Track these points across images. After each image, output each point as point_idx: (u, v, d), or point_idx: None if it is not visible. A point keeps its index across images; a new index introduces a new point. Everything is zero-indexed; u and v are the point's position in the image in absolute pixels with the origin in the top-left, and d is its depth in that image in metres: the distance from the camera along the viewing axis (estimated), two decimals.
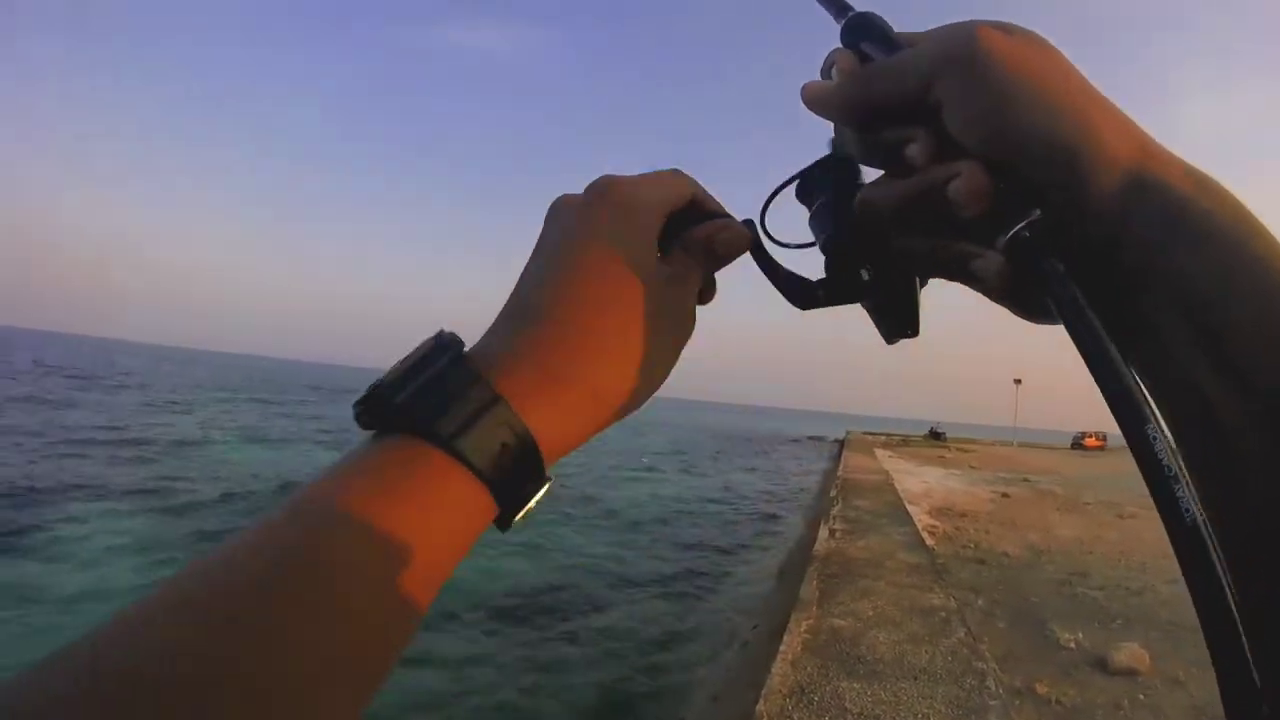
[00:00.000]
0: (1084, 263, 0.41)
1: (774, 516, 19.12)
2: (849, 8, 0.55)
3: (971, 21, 0.44)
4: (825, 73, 0.52)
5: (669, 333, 0.48)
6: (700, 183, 0.53)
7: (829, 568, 8.26)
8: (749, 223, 0.54)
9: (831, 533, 10.69)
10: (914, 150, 0.45)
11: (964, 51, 0.43)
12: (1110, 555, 10.97)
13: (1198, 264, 0.39)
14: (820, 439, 57.99)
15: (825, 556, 8.86)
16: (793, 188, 0.57)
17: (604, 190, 0.48)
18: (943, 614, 6.44)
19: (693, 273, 0.51)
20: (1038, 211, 0.42)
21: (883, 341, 0.56)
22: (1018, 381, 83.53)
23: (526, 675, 7.65)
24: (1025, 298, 0.46)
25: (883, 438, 49.35)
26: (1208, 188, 0.40)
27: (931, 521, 12.19)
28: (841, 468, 22.72)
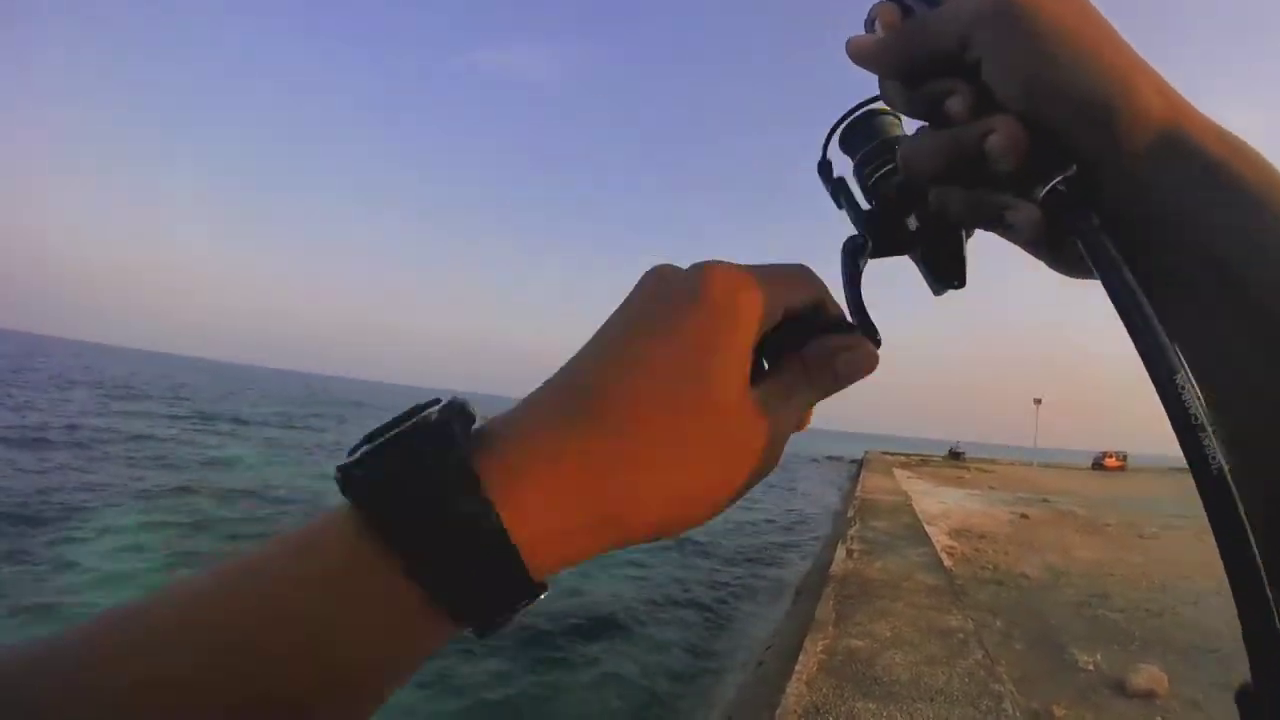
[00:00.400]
0: (1118, 218, 0.42)
1: (790, 536, 18.96)
2: None
3: None
4: (869, 26, 0.51)
5: (744, 464, 0.41)
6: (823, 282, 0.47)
7: (846, 588, 8.21)
8: (869, 330, 0.49)
9: (849, 553, 10.63)
10: (954, 103, 0.45)
11: (1002, 5, 0.42)
12: (1130, 577, 10.84)
13: (1229, 223, 0.39)
14: (838, 459, 57.45)
15: (842, 577, 8.80)
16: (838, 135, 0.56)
17: (706, 280, 0.41)
18: (960, 635, 6.39)
19: (798, 397, 0.44)
20: (1074, 166, 0.42)
21: (935, 298, 0.57)
22: (1038, 401, 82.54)
23: (531, 688, 7.64)
24: (1060, 251, 0.46)
25: (901, 457, 48.81)
26: (1241, 150, 0.41)
27: (950, 543, 12.11)
28: (859, 488, 22.56)
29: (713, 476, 0.40)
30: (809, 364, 0.45)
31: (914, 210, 0.52)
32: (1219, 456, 0.35)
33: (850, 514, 15.75)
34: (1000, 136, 0.42)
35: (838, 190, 0.55)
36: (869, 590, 8.13)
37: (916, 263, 0.54)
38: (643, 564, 13.51)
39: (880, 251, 0.53)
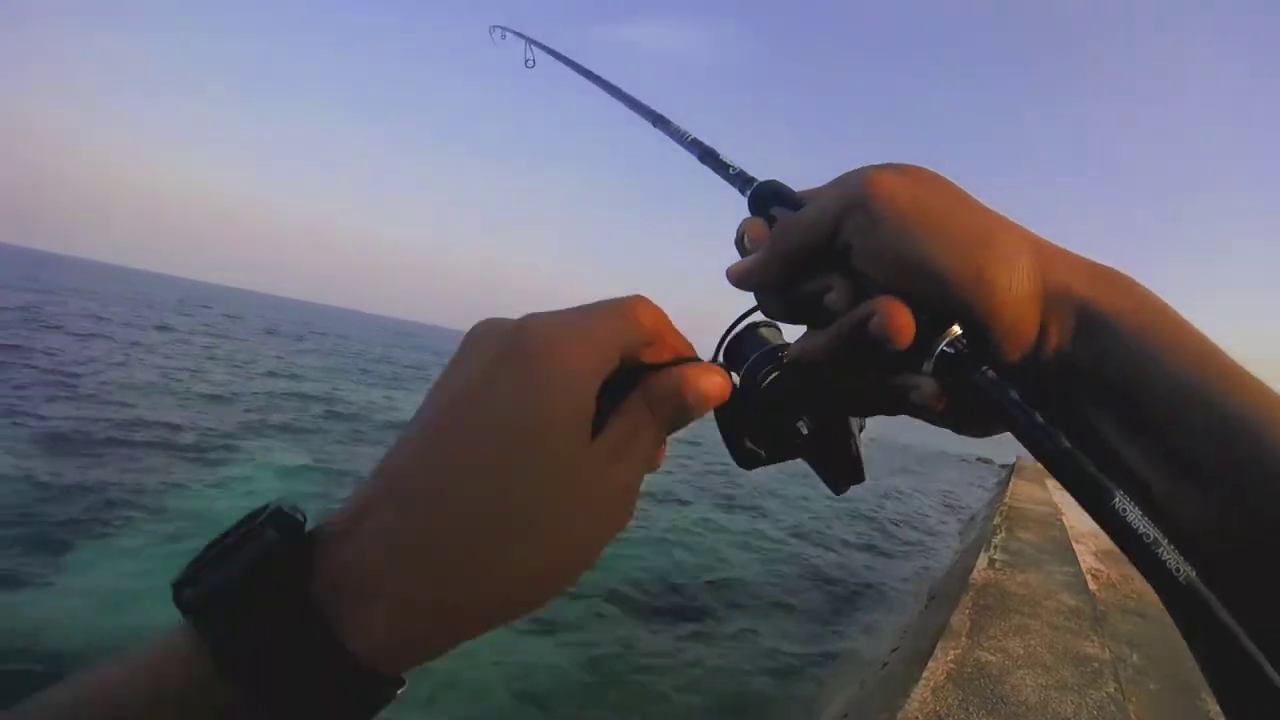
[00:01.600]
0: (1011, 369, 0.43)
1: (928, 537, 18.56)
2: (753, 179, 0.59)
3: (865, 166, 0.47)
4: (738, 242, 0.54)
5: (594, 521, 0.39)
6: (663, 310, 0.45)
7: (984, 598, 8.00)
8: (723, 366, 0.53)
9: (991, 562, 10.30)
10: (833, 297, 0.46)
11: (860, 194, 0.45)
12: None
13: (1107, 350, 0.42)
14: (988, 461, 54.83)
15: (982, 586, 8.57)
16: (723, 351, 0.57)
17: (524, 336, 0.39)
18: (1095, 664, 6.18)
19: (643, 436, 0.42)
20: (957, 327, 0.43)
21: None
22: None
23: (651, 666, 7.65)
24: (968, 415, 0.47)
25: None
26: (1113, 284, 0.44)
27: (1096, 565, 11.57)
28: (1008, 494, 21.57)
29: (562, 545, 0.38)
30: (652, 400, 0.42)
31: (804, 414, 0.53)
32: (1184, 567, 0.35)
33: (996, 521, 15.15)
34: (881, 317, 0.43)
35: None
36: (1007, 603, 7.91)
37: (812, 465, 0.55)
38: (769, 546, 13.49)
39: (773, 458, 0.54)
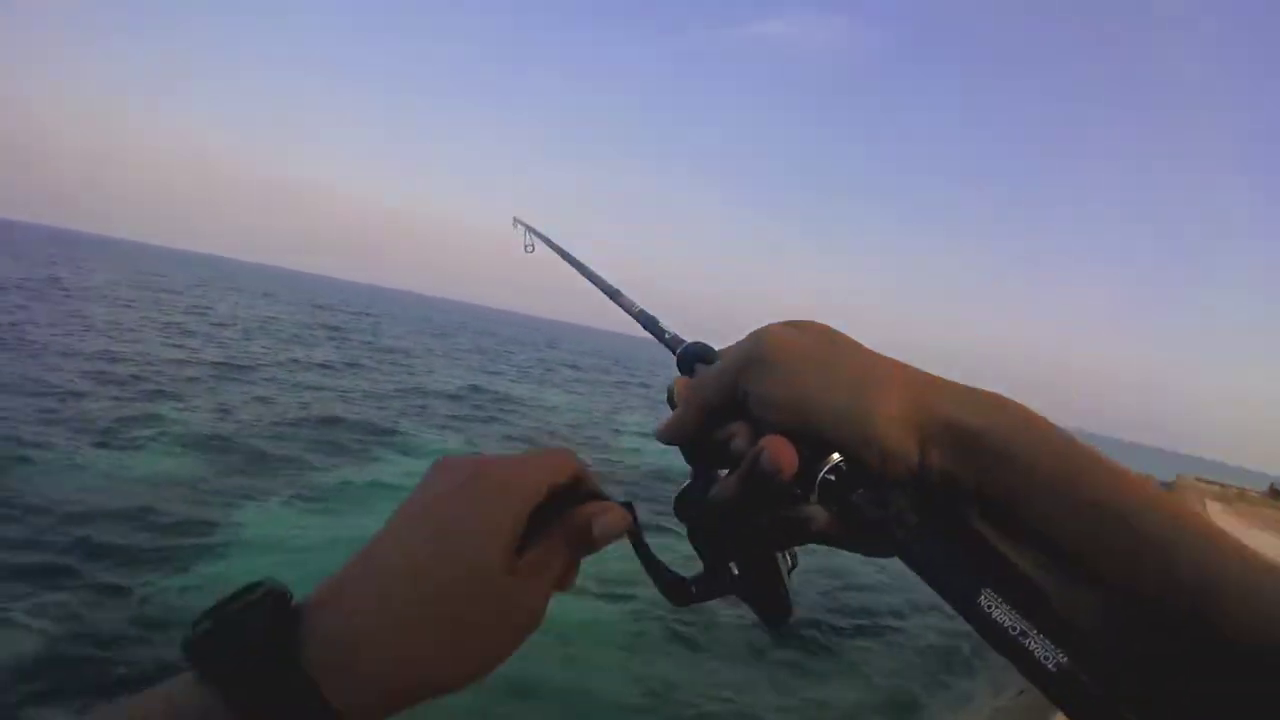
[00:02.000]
0: (897, 488, 0.47)
1: None
2: (682, 341, 0.68)
3: (767, 324, 0.54)
4: (669, 400, 0.60)
5: (505, 628, 0.48)
6: (583, 463, 0.55)
7: None
8: (629, 505, 0.56)
9: None
10: (738, 442, 0.52)
11: (753, 348, 0.52)
12: None
13: (988, 476, 0.45)
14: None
15: None
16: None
17: (474, 471, 0.50)
18: None
19: (556, 559, 0.52)
20: (836, 455, 0.48)
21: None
22: None
23: (782, 671, 7.72)
24: (861, 533, 0.50)
25: (1216, 488, 40.24)
26: (983, 404, 0.47)
27: None
28: None
29: (478, 637, 0.47)
30: (568, 529, 0.52)
31: (734, 556, 0.57)
32: (1053, 654, 0.38)
33: None
34: (767, 453, 0.48)
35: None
36: None
37: (746, 602, 0.58)
38: (883, 564, 12.89)
39: (702, 596, 0.58)
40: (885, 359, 0.51)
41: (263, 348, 23.98)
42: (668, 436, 0.57)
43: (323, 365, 22.77)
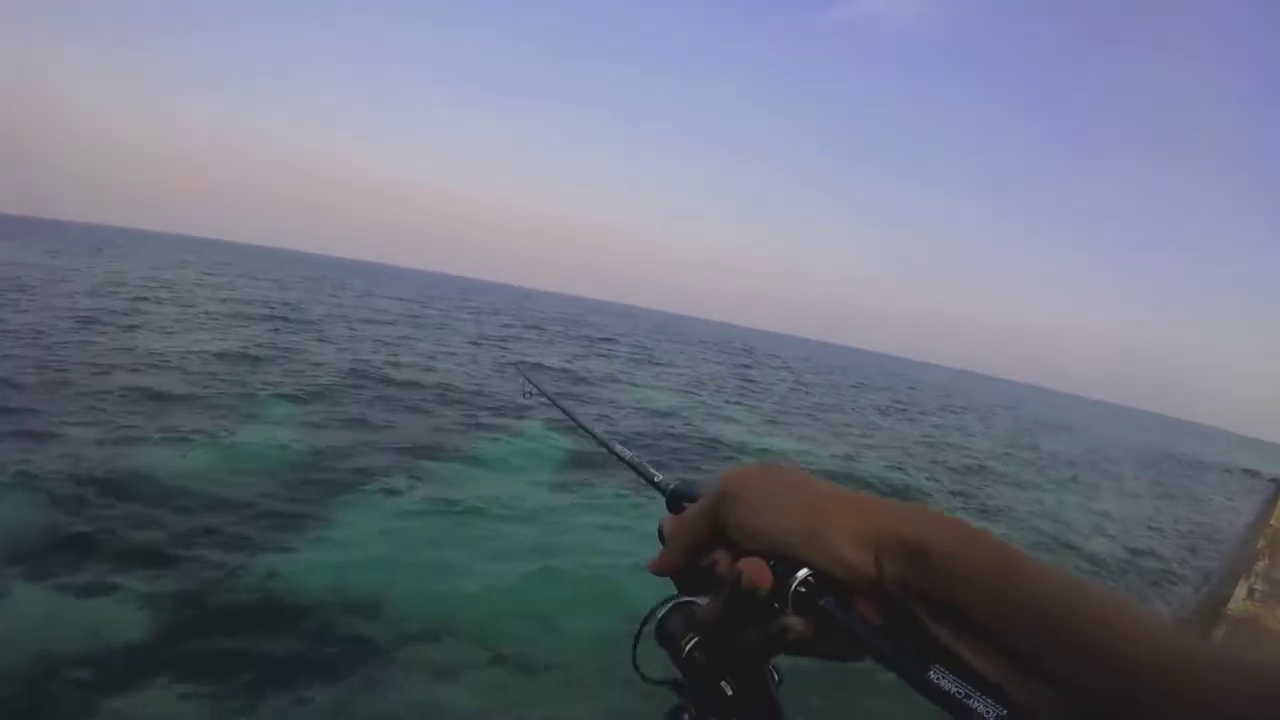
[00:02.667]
0: (859, 597, 0.54)
1: (1176, 554, 16.69)
2: (669, 482, 0.76)
3: (734, 467, 0.63)
4: (659, 536, 0.66)
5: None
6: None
7: (1238, 634, 7.47)
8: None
9: (1250, 592, 9.55)
10: (721, 567, 0.59)
11: (723, 487, 0.61)
12: None
13: (937, 584, 0.50)
14: (1255, 473, 48.08)
15: (1237, 620, 7.98)
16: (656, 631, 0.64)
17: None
18: None
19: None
20: (804, 570, 0.54)
21: None
22: None
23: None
24: (833, 640, 0.55)
25: None
26: (928, 521, 0.53)
27: None
28: (1276, 515, 19.43)
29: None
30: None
31: (725, 675, 0.60)
32: (994, 709, 0.42)
33: (1260, 545, 13.86)
34: (745, 573, 0.55)
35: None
36: (1263, 642, 7.34)
37: None
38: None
39: (702, 716, 0.60)
40: (835, 487, 0.60)
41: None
42: (660, 569, 0.65)
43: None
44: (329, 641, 6.11)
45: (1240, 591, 9.48)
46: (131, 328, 19.40)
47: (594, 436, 1.07)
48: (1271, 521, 17.78)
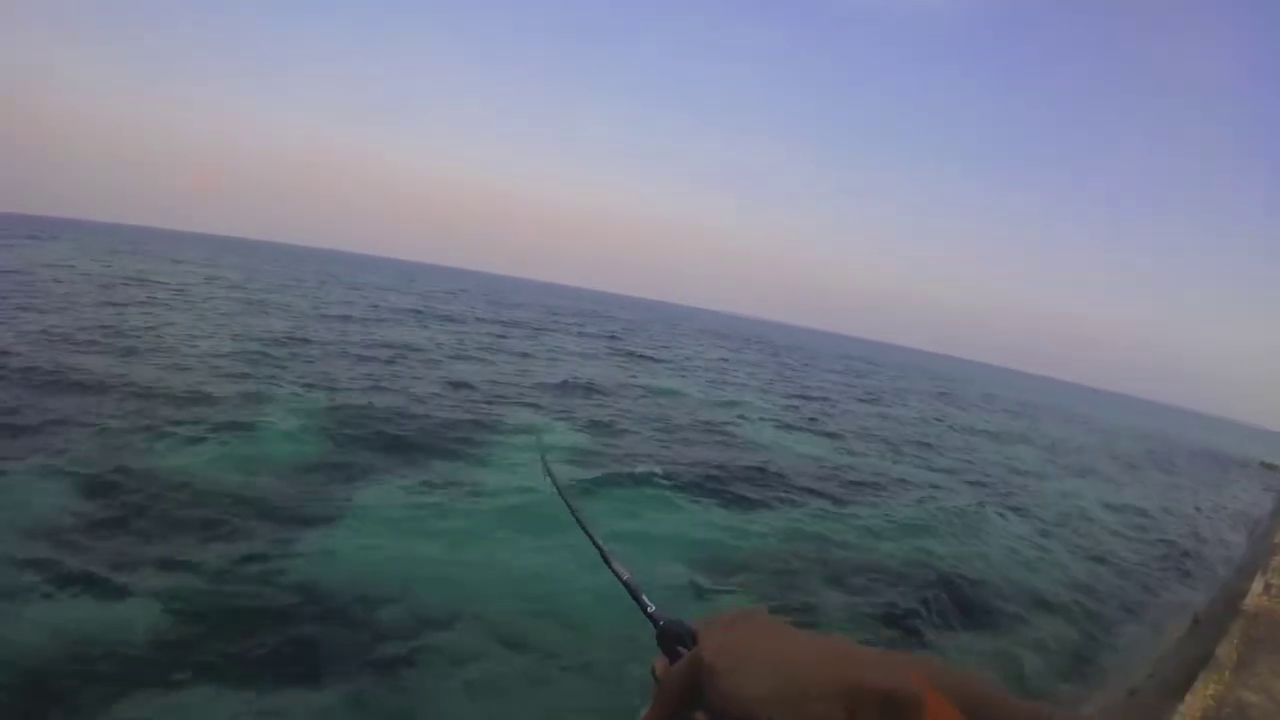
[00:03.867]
0: None
1: (1197, 553, 16.50)
2: (661, 618, 0.76)
3: (708, 628, 0.67)
4: (652, 674, 0.70)
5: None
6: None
7: (1255, 628, 7.37)
8: None
9: (1267, 587, 9.45)
10: None
11: (699, 654, 0.63)
12: None
13: None
14: (1273, 467, 47.20)
15: (1254, 614, 7.89)
16: None
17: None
18: None
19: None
20: None
21: None
22: None
23: None
24: None
25: None
26: (896, 666, 0.54)
27: None
28: None
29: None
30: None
31: None
32: None
33: (1277, 539, 13.69)
34: None
35: None
36: None
37: None
38: (1020, 546, 12.96)
39: None
40: (810, 641, 0.60)
41: None
42: None
43: None
44: (346, 635, 6.14)
45: (1257, 586, 9.38)
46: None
47: (595, 545, 1.04)
48: None
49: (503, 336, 32.68)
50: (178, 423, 11.20)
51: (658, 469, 12.88)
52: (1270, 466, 48.24)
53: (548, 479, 1.52)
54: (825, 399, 31.05)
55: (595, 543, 1.04)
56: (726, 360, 43.23)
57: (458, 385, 18.22)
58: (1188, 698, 5.34)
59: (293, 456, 10.66)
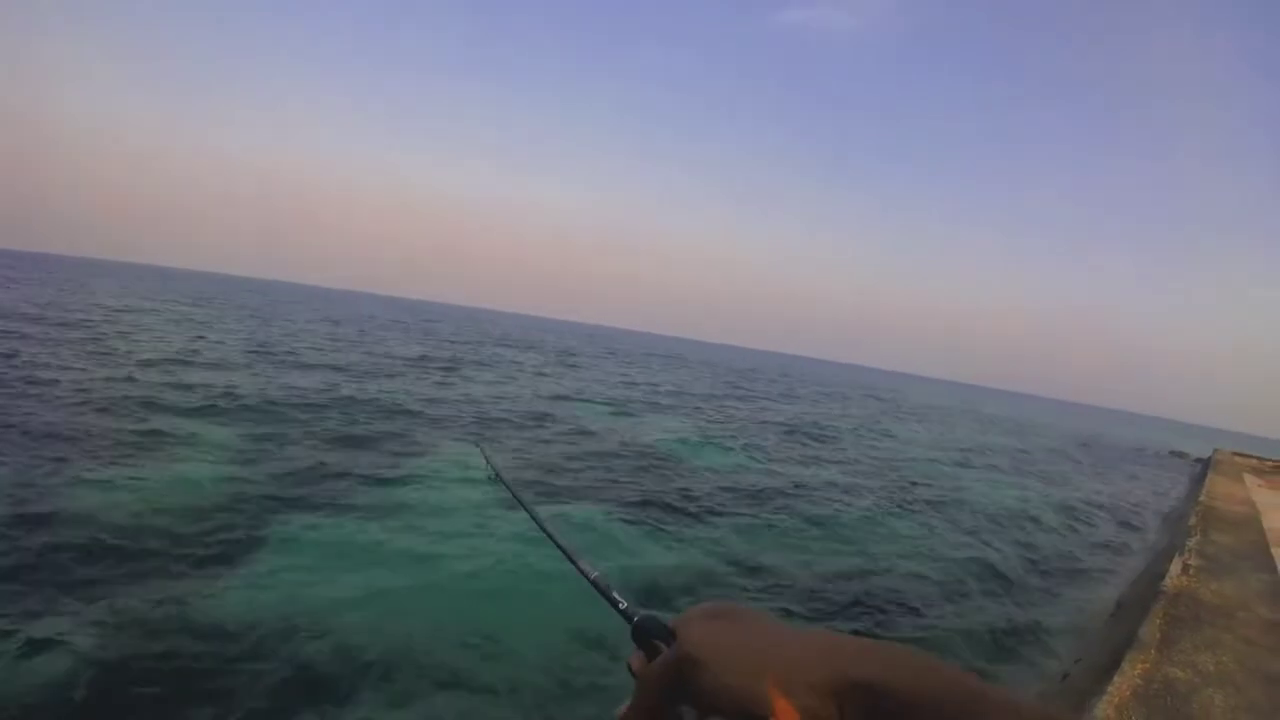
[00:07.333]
0: None
1: (1119, 542, 17.14)
2: (635, 613, 0.72)
3: (689, 618, 0.64)
4: (630, 670, 0.66)
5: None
6: None
7: (1176, 608, 7.45)
8: None
9: (1185, 568, 9.58)
10: (686, 716, 0.60)
11: (683, 648, 0.60)
12: None
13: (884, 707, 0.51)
14: (1182, 455, 49.89)
15: (1174, 595, 7.97)
16: None
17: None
18: None
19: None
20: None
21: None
22: None
23: None
24: None
25: (1254, 460, 39.96)
26: (886, 659, 0.53)
27: None
28: (1204, 492, 19.49)
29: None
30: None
31: None
32: None
33: (1192, 522, 13.97)
34: None
35: None
36: (1200, 615, 7.32)
37: None
38: (940, 543, 13.07)
39: None
40: (792, 633, 0.58)
41: None
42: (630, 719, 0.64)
43: None
44: (273, 673, 5.81)
45: (1175, 568, 9.54)
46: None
47: (558, 545, 0.97)
48: (1201, 499, 17.96)
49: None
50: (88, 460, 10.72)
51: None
52: (1179, 454, 49.88)
53: (491, 474, 1.38)
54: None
55: (557, 542, 0.97)
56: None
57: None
58: (1116, 678, 5.36)
59: (208, 489, 10.27)
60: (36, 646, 5.68)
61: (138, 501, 9.28)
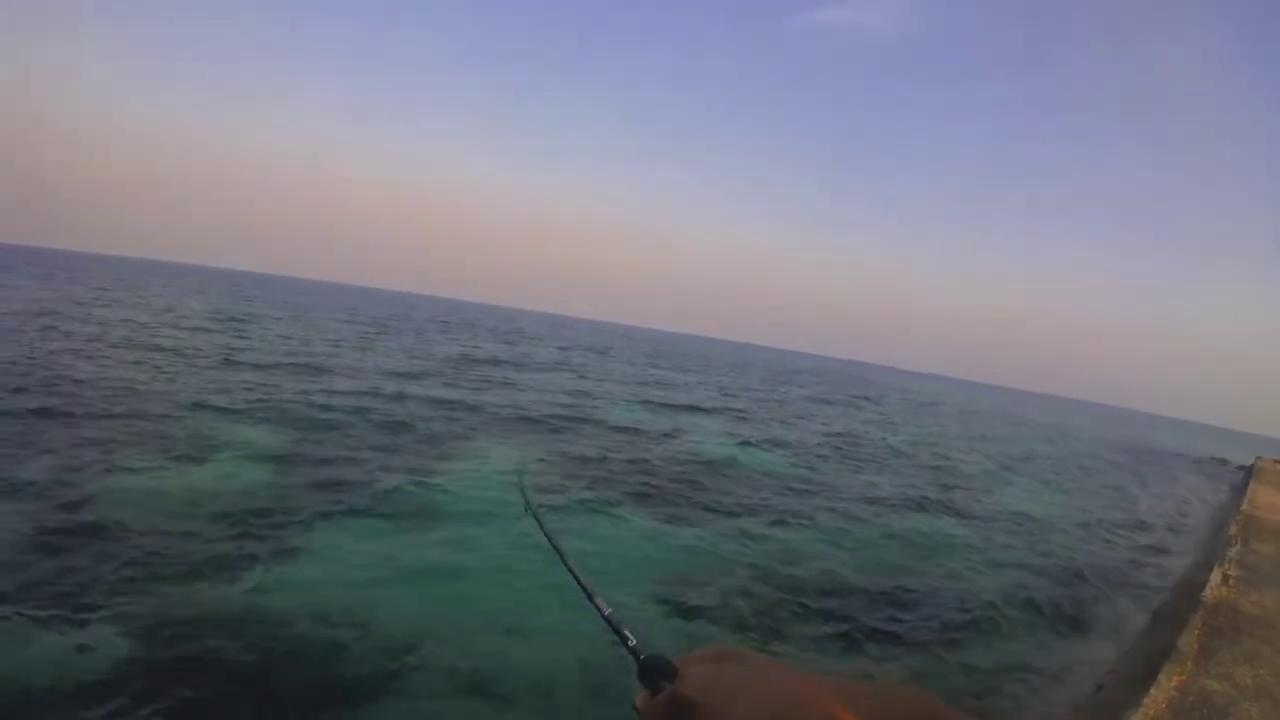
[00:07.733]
0: None
1: (1155, 548, 16.70)
2: (642, 652, 0.72)
3: (689, 660, 0.64)
4: (634, 707, 0.66)
5: None
6: None
7: (1215, 619, 7.31)
8: None
9: (1225, 578, 9.37)
10: None
11: (682, 690, 0.58)
12: None
13: None
14: (1224, 462, 48.56)
15: (1213, 605, 7.79)
16: None
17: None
18: None
19: None
20: None
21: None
22: None
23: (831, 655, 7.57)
24: None
25: None
26: (885, 705, 0.52)
27: None
28: (1246, 501, 18.94)
29: None
30: None
31: None
32: None
33: (1232, 531, 13.65)
34: None
35: None
36: (1239, 626, 7.17)
37: None
38: (969, 550, 12.97)
39: None
40: (798, 676, 0.56)
41: None
42: None
43: None
44: (310, 669, 5.94)
45: (1215, 578, 9.34)
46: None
47: (578, 581, 1.01)
48: (1243, 507, 17.50)
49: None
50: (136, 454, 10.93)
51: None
52: (1222, 461, 48.74)
53: (527, 511, 1.45)
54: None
55: (577, 578, 1.01)
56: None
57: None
58: (1153, 690, 5.27)
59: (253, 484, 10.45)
60: (81, 648, 5.81)
61: (181, 502, 9.46)
